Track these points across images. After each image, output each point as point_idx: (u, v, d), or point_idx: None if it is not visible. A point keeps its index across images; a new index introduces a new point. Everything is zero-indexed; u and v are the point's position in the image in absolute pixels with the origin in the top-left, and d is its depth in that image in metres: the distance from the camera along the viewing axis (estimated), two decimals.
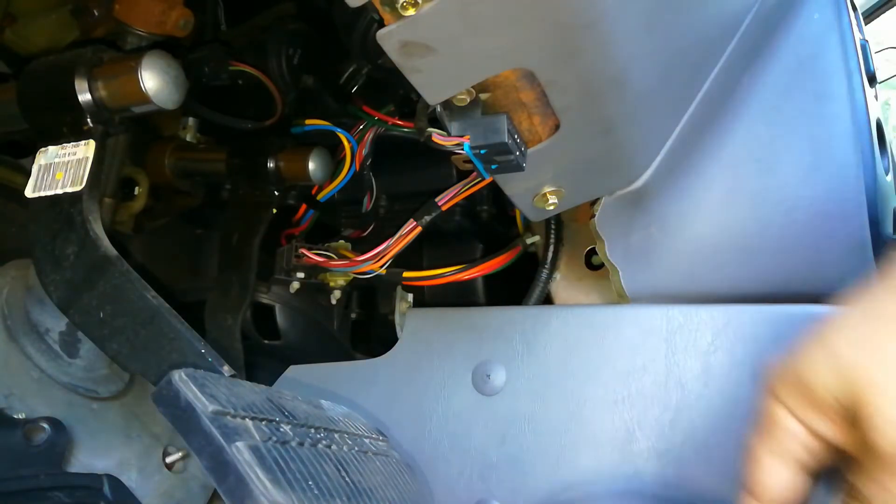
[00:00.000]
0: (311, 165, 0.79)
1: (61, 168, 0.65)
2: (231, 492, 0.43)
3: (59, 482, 0.72)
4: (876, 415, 0.38)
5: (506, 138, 0.49)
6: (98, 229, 0.63)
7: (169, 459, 0.87)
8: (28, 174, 0.66)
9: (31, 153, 0.68)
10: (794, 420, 0.44)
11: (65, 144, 0.66)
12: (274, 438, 0.49)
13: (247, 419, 0.49)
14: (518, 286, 0.80)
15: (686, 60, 0.60)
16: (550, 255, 0.77)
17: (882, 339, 0.40)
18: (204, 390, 0.48)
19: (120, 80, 0.64)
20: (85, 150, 0.65)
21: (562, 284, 0.78)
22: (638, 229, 0.69)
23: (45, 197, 0.65)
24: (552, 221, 0.77)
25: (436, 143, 0.53)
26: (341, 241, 0.88)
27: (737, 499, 0.47)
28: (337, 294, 0.87)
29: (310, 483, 0.48)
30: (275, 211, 0.84)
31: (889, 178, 0.76)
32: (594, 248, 0.77)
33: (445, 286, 0.82)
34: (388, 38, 0.41)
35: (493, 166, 0.53)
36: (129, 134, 0.70)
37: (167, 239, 0.97)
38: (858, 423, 0.40)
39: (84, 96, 0.64)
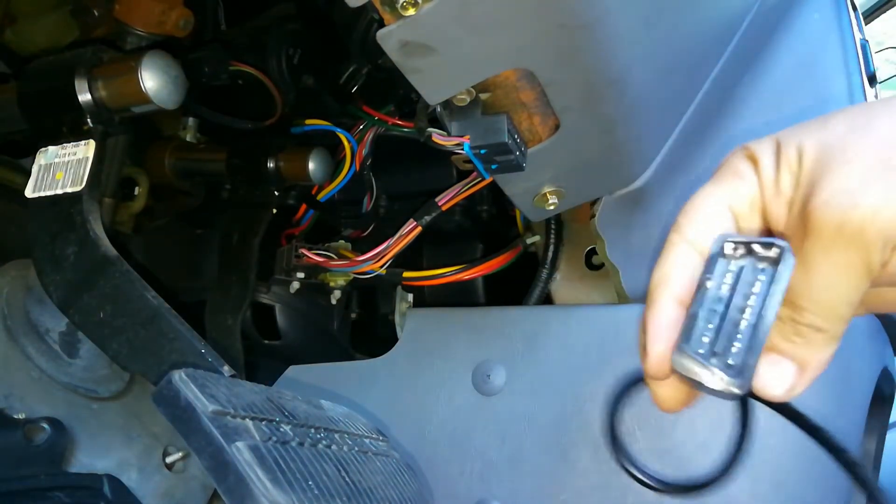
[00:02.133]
0: (311, 165, 0.79)
1: (61, 168, 0.65)
2: (231, 492, 0.43)
3: (59, 482, 0.72)
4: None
5: (506, 138, 0.49)
6: (98, 229, 0.63)
7: (169, 459, 0.87)
8: (28, 174, 0.66)
9: (31, 153, 0.68)
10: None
11: (65, 144, 0.66)
12: (274, 438, 0.49)
13: (247, 419, 0.49)
14: (518, 286, 0.80)
15: (686, 60, 0.60)
16: (550, 255, 0.77)
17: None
18: (204, 390, 0.48)
19: (120, 80, 0.64)
20: (85, 150, 0.65)
21: (562, 284, 0.78)
22: (638, 229, 0.69)
23: (45, 197, 0.65)
24: (552, 221, 0.77)
25: (436, 143, 0.53)
26: (341, 241, 0.88)
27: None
28: (337, 294, 0.87)
29: (310, 483, 0.48)
30: (275, 211, 0.84)
31: None
32: (594, 248, 0.77)
33: (445, 286, 0.82)
34: (388, 38, 0.41)
35: (494, 166, 0.53)
36: (129, 134, 0.70)
37: (167, 239, 0.97)
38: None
39: (84, 96, 0.64)
